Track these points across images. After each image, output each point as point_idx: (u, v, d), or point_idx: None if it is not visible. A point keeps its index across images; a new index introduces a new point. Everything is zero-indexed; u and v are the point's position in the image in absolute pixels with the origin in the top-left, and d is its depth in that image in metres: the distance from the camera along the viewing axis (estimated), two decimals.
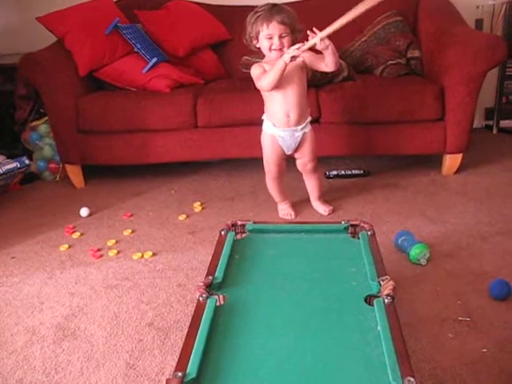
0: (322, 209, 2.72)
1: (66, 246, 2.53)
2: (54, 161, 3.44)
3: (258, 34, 2.44)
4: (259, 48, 2.49)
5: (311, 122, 2.63)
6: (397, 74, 3.25)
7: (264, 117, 2.61)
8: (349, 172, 3.21)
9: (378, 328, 1.24)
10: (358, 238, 1.73)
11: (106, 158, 3.20)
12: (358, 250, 1.64)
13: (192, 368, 1.13)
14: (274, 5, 2.45)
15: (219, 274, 1.51)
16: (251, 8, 3.51)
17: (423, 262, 2.16)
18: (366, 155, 3.34)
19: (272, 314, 1.36)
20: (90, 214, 2.86)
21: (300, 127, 2.56)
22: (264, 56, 2.52)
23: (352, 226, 1.79)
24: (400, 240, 2.27)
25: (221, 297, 1.41)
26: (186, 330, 1.28)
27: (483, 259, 2.20)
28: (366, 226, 1.77)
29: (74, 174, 3.29)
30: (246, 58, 3.19)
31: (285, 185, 2.75)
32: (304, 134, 2.58)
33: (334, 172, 3.20)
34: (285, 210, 2.73)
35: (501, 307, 1.87)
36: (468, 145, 3.03)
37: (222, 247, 1.67)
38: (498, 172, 3.14)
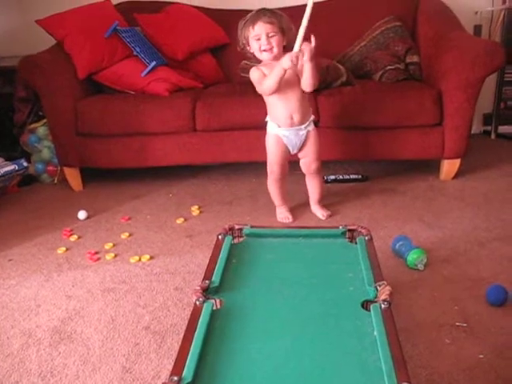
0: (320, 213, 2.72)
1: (64, 248, 2.53)
2: (53, 163, 3.44)
3: (247, 38, 2.47)
4: (253, 53, 2.52)
5: None
6: (395, 79, 3.26)
7: (268, 118, 2.62)
8: (347, 177, 3.22)
9: (375, 333, 1.24)
10: (356, 243, 1.73)
11: (104, 161, 3.20)
12: (356, 255, 1.63)
13: (188, 372, 1.13)
14: (262, 9, 2.50)
15: (216, 278, 1.50)
16: (250, 12, 3.52)
17: (420, 267, 2.16)
18: (364, 160, 3.35)
19: (269, 318, 1.36)
20: (87, 217, 2.86)
21: (304, 126, 2.58)
22: (260, 60, 2.54)
23: (349, 230, 1.79)
24: (397, 245, 2.27)
25: (217, 301, 1.41)
26: (182, 334, 1.28)
27: (480, 265, 2.20)
28: (363, 231, 1.77)
29: (73, 176, 3.29)
30: (245, 62, 3.20)
31: (285, 190, 2.76)
32: (308, 132, 2.61)
33: (332, 176, 3.21)
34: (283, 214, 2.73)
35: (498, 313, 1.86)
36: (466, 150, 3.04)
37: (219, 251, 1.66)
38: (496, 177, 3.15)
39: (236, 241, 1.78)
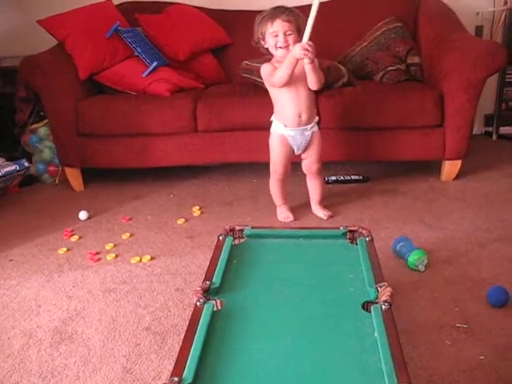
0: (321, 213, 2.72)
1: (65, 249, 2.53)
2: (54, 164, 3.44)
3: (264, 33, 2.49)
4: (267, 49, 2.53)
5: None
6: (397, 79, 3.25)
7: (273, 118, 2.63)
8: (348, 177, 3.22)
9: (375, 334, 1.24)
10: (357, 244, 1.73)
11: (105, 162, 3.20)
12: (356, 256, 1.63)
13: (188, 373, 1.13)
14: (280, 6, 2.52)
15: (217, 279, 1.51)
16: (251, 12, 3.52)
17: (421, 268, 2.16)
18: (365, 161, 3.35)
19: (269, 319, 1.36)
20: (88, 218, 2.86)
21: (310, 126, 2.61)
22: (265, 61, 2.54)
23: (350, 231, 1.79)
24: (398, 246, 2.27)
25: (218, 302, 1.41)
26: (183, 335, 1.28)
27: (481, 266, 2.19)
28: (364, 231, 1.77)
29: (74, 177, 3.29)
30: (246, 62, 3.20)
31: (287, 190, 2.76)
32: (313, 132, 2.62)
33: (333, 177, 3.21)
34: (284, 214, 2.73)
35: (498, 314, 1.86)
36: (467, 151, 3.04)
37: (219, 252, 1.66)
38: (497, 178, 3.15)
39: (237, 242, 1.78)
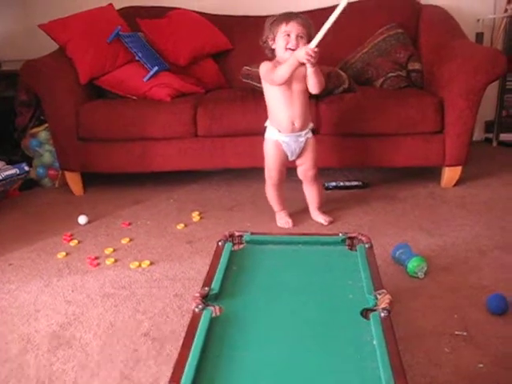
0: (321, 218, 2.72)
1: (64, 253, 2.52)
2: (54, 168, 3.44)
3: (276, 33, 2.49)
4: (273, 51, 2.53)
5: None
6: (397, 86, 3.26)
7: (267, 123, 2.63)
8: (347, 183, 3.22)
9: (374, 342, 1.24)
10: (356, 251, 1.72)
11: (105, 166, 3.20)
12: (355, 263, 1.63)
13: (186, 379, 1.12)
14: (294, 12, 2.54)
15: (216, 285, 1.50)
16: (252, 18, 3.54)
17: (421, 275, 2.15)
18: (365, 167, 3.35)
19: (268, 326, 1.35)
20: (88, 222, 2.86)
21: (304, 132, 2.61)
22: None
23: (349, 238, 1.79)
24: (398, 253, 2.26)
25: (217, 308, 1.40)
26: (181, 341, 1.27)
27: (481, 273, 2.19)
28: (363, 238, 1.77)
29: (74, 181, 3.29)
30: (247, 68, 3.21)
31: (283, 195, 2.76)
32: (307, 139, 2.62)
33: (333, 183, 3.20)
34: (283, 219, 2.73)
35: (498, 322, 1.86)
36: (467, 158, 3.04)
37: (218, 258, 1.66)
38: (498, 185, 3.15)
39: (236, 247, 1.78)
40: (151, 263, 2.40)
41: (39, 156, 3.48)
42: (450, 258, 2.32)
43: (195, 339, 1.26)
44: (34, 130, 3.50)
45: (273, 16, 2.53)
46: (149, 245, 2.60)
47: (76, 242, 2.64)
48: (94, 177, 3.35)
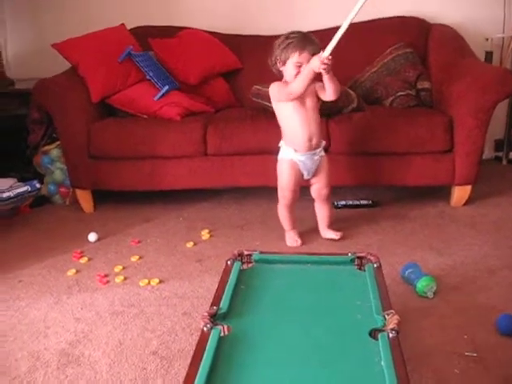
0: (332, 234, 2.73)
1: (74, 270, 2.54)
2: (65, 185, 3.46)
3: (286, 59, 2.49)
4: (280, 72, 2.54)
5: None
6: (406, 105, 3.27)
7: (281, 143, 2.64)
8: (357, 202, 3.22)
9: (382, 363, 1.23)
10: (365, 271, 1.73)
11: (116, 184, 3.22)
12: (364, 283, 1.63)
13: None
14: (306, 34, 2.53)
15: (224, 304, 1.51)
16: (262, 37, 3.56)
17: (430, 295, 2.15)
18: (374, 186, 3.34)
19: (276, 346, 1.36)
20: (98, 240, 2.87)
21: (318, 150, 2.63)
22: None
23: (358, 258, 1.79)
24: (407, 272, 2.26)
25: (225, 327, 1.41)
26: (190, 360, 1.28)
27: (490, 293, 2.18)
28: (372, 258, 1.77)
29: (84, 198, 3.31)
30: (257, 87, 3.23)
31: (295, 215, 2.76)
32: (321, 157, 2.65)
33: (343, 202, 3.21)
34: (292, 239, 2.73)
35: (508, 343, 1.84)
36: (477, 177, 3.04)
37: (227, 277, 1.67)
38: (508, 205, 3.14)
39: (245, 266, 1.79)
40: (160, 281, 2.41)
41: (50, 173, 3.51)
42: (459, 278, 2.31)
43: (203, 358, 1.26)
44: (46, 147, 3.53)
45: (286, 37, 2.51)
46: (158, 263, 2.61)
47: (86, 259, 2.66)
48: (104, 194, 3.37)
